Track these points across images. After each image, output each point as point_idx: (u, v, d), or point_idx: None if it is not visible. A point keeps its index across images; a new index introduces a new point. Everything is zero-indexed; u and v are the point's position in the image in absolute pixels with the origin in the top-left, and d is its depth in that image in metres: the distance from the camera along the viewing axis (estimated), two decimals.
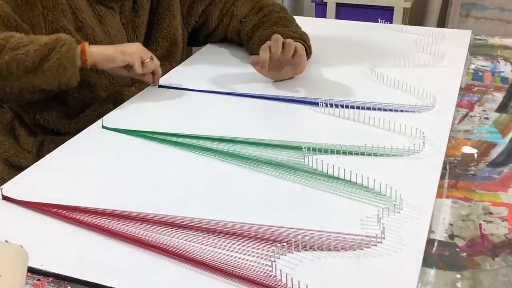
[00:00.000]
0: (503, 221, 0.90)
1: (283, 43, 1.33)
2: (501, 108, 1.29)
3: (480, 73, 1.50)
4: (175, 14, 1.54)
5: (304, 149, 1.05)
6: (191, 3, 1.58)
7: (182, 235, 0.84)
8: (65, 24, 1.33)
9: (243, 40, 1.60)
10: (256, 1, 1.60)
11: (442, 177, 1.01)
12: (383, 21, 1.85)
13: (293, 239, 0.81)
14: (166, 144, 1.12)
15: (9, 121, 1.47)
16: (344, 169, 0.98)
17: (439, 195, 0.96)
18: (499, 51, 1.67)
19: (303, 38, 1.47)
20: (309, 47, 1.50)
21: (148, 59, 1.30)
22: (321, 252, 0.81)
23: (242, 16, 1.59)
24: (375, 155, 1.05)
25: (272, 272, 0.77)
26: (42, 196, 0.94)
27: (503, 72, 1.51)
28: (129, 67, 1.28)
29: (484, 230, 0.88)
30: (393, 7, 2.97)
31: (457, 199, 0.96)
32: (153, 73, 1.37)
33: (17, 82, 1.20)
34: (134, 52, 1.28)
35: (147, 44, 1.48)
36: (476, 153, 1.11)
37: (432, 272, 0.79)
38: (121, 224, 0.87)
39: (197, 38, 1.67)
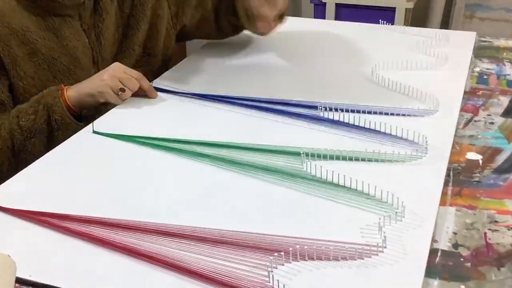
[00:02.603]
0: (509, 230, 0.91)
1: None
2: (507, 113, 1.29)
3: (485, 76, 1.50)
4: (161, 16, 1.51)
5: (302, 154, 1.06)
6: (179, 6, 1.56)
7: (175, 243, 0.84)
8: (17, 54, 1.31)
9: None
10: None
11: (446, 184, 1.01)
12: (384, 22, 1.85)
13: (290, 248, 0.81)
14: (159, 149, 1.12)
15: None
16: (344, 176, 0.98)
17: (442, 202, 0.96)
18: (504, 53, 1.67)
19: None
20: None
21: (120, 92, 1.29)
22: (320, 261, 0.81)
23: None
24: (376, 161, 1.06)
25: (269, 282, 0.77)
26: (30, 204, 0.94)
27: (509, 75, 1.51)
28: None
29: (489, 239, 0.88)
30: (395, 8, 2.97)
31: (461, 207, 0.96)
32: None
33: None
34: (104, 92, 1.27)
35: (119, 51, 1.47)
36: (481, 159, 1.11)
37: (435, 282, 0.80)
38: (112, 232, 0.87)
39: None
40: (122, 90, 1.28)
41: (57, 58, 1.35)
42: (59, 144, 1.16)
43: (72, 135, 1.19)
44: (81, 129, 1.22)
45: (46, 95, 1.28)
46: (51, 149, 1.14)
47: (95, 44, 1.41)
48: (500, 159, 1.11)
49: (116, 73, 1.30)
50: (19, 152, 1.28)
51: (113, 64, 1.33)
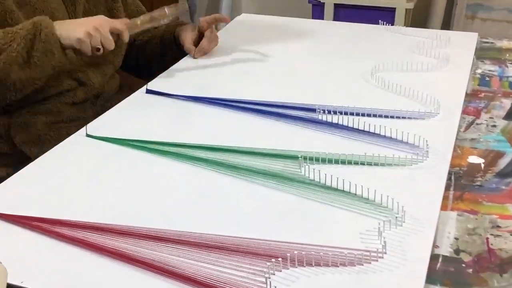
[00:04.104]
0: (511, 235, 0.91)
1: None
2: (509, 115, 1.30)
3: (487, 78, 1.51)
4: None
5: (300, 158, 1.06)
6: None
7: (171, 249, 0.84)
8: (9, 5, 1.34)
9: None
10: None
11: (447, 188, 1.02)
12: (384, 22, 1.86)
13: (288, 254, 0.81)
14: (153, 153, 1.12)
15: None
16: (343, 180, 0.98)
17: (443, 207, 0.96)
18: (507, 55, 1.68)
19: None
20: None
21: (98, 50, 1.34)
22: (319, 267, 0.81)
23: None
24: (376, 164, 1.06)
25: None
26: (22, 209, 0.94)
27: (511, 77, 1.52)
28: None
29: (491, 244, 0.89)
30: (395, 8, 2.97)
31: (462, 211, 0.96)
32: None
33: (16, 79, 1.29)
34: (82, 41, 1.32)
35: None
36: (483, 163, 1.11)
37: None
38: (106, 238, 0.87)
39: None
40: (98, 50, 1.34)
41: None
42: (37, 71, 1.27)
43: (48, 65, 1.29)
44: (60, 60, 1.31)
45: (36, 19, 1.31)
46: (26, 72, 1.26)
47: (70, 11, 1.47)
48: (503, 162, 1.11)
49: (100, 28, 1.34)
50: None
51: (99, 17, 1.38)
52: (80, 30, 1.32)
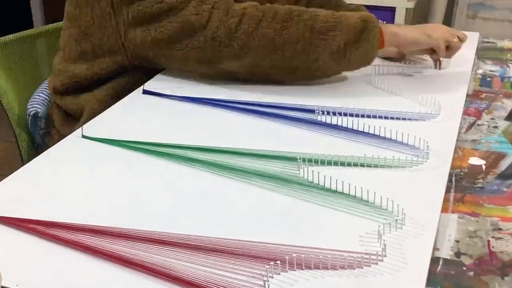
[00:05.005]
0: None
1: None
2: (511, 116, 1.30)
3: (489, 79, 1.51)
4: None
5: (299, 160, 1.06)
6: None
7: (168, 252, 0.84)
8: None
9: None
10: None
11: (448, 190, 1.02)
12: (384, 22, 1.86)
13: (287, 257, 0.81)
14: (150, 154, 1.12)
15: None
16: (342, 182, 0.98)
17: (444, 209, 0.96)
18: (508, 55, 1.68)
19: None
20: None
21: (455, 40, 1.40)
22: (318, 271, 0.81)
23: None
24: (376, 166, 1.06)
25: None
26: (17, 211, 0.94)
27: None
28: (431, 50, 1.40)
29: (493, 247, 0.89)
30: (395, 8, 2.98)
31: (463, 214, 0.97)
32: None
33: (317, 65, 1.35)
34: (440, 37, 1.38)
35: None
36: (484, 164, 1.11)
37: None
38: (103, 240, 0.87)
39: None
40: (458, 39, 1.43)
41: None
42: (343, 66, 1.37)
43: (364, 60, 1.35)
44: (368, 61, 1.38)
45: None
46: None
47: None
48: (504, 164, 1.11)
49: (447, 30, 1.44)
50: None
51: (439, 25, 1.48)
52: (417, 32, 1.41)
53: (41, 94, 1.65)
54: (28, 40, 1.74)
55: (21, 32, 1.73)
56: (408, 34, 1.38)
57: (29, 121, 1.63)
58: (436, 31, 1.41)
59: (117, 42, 1.40)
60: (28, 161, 1.12)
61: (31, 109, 1.61)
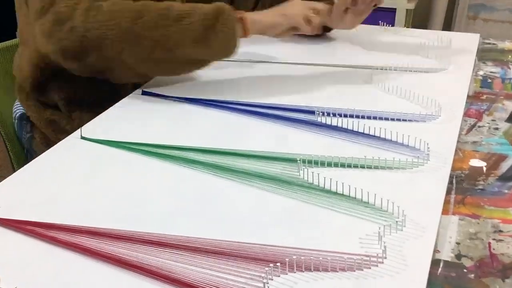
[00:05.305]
0: None
1: None
2: None
3: (489, 80, 1.51)
4: None
5: (299, 161, 1.06)
6: None
7: (167, 254, 0.84)
8: None
9: None
10: None
11: (448, 192, 1.02)
12: (384, 23, 1.86)
13: (287, 259, 0.81)
14: (150, 156, 1.12)
15: None
16: (342, 183, 0.98)
17: (445, 211, 0.96)
18: (509, 56, 1.68)
19: None
20: None
21: (313, 14, 1.40)
22: (318, 273, 0.81)
23: None
24: (376, 168, 1.06)
25: None
26: (15, 213, 0.94)
27: None
28: (294, 28, 1.39)
29: (493, 249, 0.89)
30: (395, 9, 2.98)
31: (464, 215, 0.97)
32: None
33: (179, 53, 1.31)
34: (296, 14, 1.37)
35: None
36: (485, 166, 1.11)
37: None
38: (102, 242, 0.87)
39: None
40: (317, 12, 1.42)
41: None
42: (204, 52, 1.32)
43: (223, 48, 1.33)
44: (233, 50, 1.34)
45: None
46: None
47: None
48: (505, 166, 1.11)
49: (303, 5, 1.42)
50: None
51: (295, 2, 1.45)
52: (272, 15, 1.40)
53: None
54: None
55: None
56: (265, 19, 1.37)
57: (15, 125, 1.62)
58: (289, 9, 1.40)
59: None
60: (19, 167, 1.11)
61: (16, 111, 1.60)
